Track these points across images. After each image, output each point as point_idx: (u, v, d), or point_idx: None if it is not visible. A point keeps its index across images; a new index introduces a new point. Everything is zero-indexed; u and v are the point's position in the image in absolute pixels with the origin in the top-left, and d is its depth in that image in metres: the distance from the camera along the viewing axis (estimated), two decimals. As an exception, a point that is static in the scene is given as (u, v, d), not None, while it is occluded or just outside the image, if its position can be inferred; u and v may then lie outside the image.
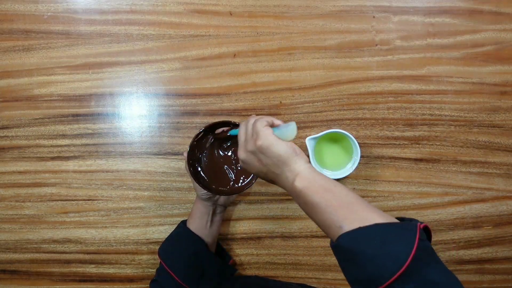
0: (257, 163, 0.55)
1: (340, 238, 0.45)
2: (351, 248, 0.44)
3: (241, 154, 0.56)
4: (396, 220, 0.46)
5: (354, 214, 0.47)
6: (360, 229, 0.44)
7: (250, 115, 0.82)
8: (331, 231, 0.47)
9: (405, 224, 0.45)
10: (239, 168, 0.73)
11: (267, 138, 0.53)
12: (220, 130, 0.70)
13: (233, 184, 0.73)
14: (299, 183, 0.51)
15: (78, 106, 0.83)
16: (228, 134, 0.68)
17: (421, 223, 0.45)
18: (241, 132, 0.57)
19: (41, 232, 0.84)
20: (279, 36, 0.82)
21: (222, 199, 0.76)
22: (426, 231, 0.46)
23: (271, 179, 0.56)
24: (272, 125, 0.56)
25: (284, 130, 0.54)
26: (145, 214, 0.84)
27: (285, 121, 0.56)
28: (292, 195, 0.53)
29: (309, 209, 0.51)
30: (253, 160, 0.55)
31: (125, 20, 0.82)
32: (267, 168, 0.54)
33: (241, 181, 0.73)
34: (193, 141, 0.68)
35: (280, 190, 0.83)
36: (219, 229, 0.79)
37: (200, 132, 0.69)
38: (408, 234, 0.43)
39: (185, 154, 0.70)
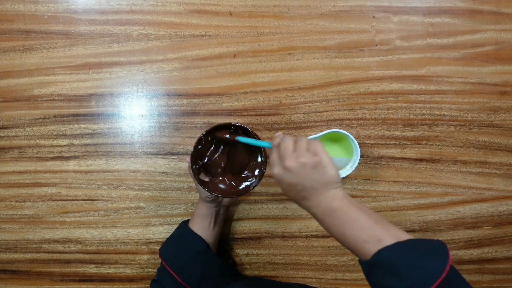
0: (302, 175, 0.55)
1: (381, 252, 0.47)
2: (394, 260, 0.46)
3: (290, 162, 0.56)
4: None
5: (389, 231, 0.50)
6: (398, 244, 0.47)
7: (251, 115, 0.82)
8: (367, 246, 0.49)
9: (434, 240, 0.49)
10: (240, 170, 0.73)
11: (326, 157, 0.56)
12: (226, 135, 0.69)
13: (236, 186, 0.72)
14: (339, 202, 0.54)
15: (78, 106, 0.83)
16: (236, 139, 0.68)
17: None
18: (287, 140, 0.58)
19: (41, 232, 0.84)
20: (279, 36, 0.82)
21: (225, 200, 0.76)
22: None
23: (304, 196, 0.56)
24: None
25: (338, 160, 0.57)
26: (145, 214, 0.84)
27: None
28: (324, 214, 0.54)
29: (343, 227, 0.52)
30: (301, 172, 0.55)
31: (125, 20, 0.82)
32: (311, 184, 0.55)
33: (244, 183, 0.72)
34: (196, 144, 0.68)
35: (280, 190, 0.83)
36: (221, 230, 0.79)
37: (203, 135, 0.68)
38: (440, 248, 0.47)
39: (188, 159, 0.69)
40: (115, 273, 0.85)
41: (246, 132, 0.69)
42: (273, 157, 0.59)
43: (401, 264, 0.46)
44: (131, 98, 0.83)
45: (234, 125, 0.68)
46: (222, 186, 0.72)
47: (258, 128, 0.83)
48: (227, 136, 0.69)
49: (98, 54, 0.82)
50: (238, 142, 0.68)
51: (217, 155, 0.72)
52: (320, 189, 0.55)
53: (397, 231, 0.50)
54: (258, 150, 0.71)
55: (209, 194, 0.70)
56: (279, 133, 0.62)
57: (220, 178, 0.72)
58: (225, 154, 0.72)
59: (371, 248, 0.49)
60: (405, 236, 0.49)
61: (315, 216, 0.56)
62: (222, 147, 0.72)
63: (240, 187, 0.72)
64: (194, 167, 0.69)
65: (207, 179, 0.72)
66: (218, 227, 0.77)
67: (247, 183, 0.72)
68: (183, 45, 0.82)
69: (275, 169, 0.58)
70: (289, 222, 0.85)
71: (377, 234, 0.49)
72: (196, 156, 0.70)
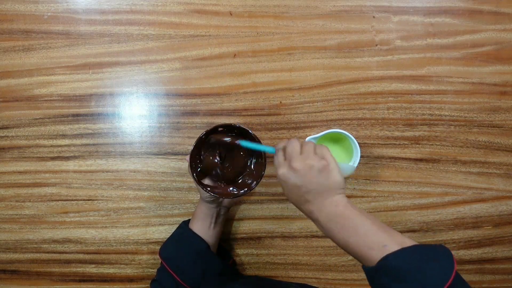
0: (307, 177, 0.56)
1: (387, 258, 0.47)
2: (400, 266, 0.46)
3: (298, 163, 0.56)
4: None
5: (393, 237, 0.50)
6: (403, 249, 0.47)
7: (251, 115, 0.82)
8: (371, 252, 0.49)
9: (438, 245, 0.49)
10: (239, 171, 0.73)
11: (334, 162, 0.56)
12: (227, 139, 0.69)
13: (236, 187, 0.72)
14: (343, 207, 0.54)
15: (78, 106, 0.83)
16: (237, 142, 0.68)
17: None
18: (293, 144, 0.59)
19: (41, 232, 0.84)
20: (279, 36, 0.82)
21: (226, 200, 0.76)
22: None
23: (307, 199, 0.56)
24: None
25: (345, 167, 0.59)
26: (145, 214, 0.84)
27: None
28: (328, 219, 0.54)
29: (347, 233, 0.53)
30: (307, 173, 0.56)
31: (125, 20, 0.82)
32: (315, 187, 0.55)
33: (243, 183, 0.72)
34: (196, 144, 0.68)
35: (280, 190, 0.83)
36: (221, 230, 0.79)
37: (202, 135, 0.68)
38: (445, 253, 0.47)
39: (188, 158, 0.69)
40: (115, 273, 0.85)
41: (245, 133, 0.69)
42: (279, 158, 0.59)
43: (408, 269, 0.46)
44: (131, 98, 0.83)
45: (235, 126, 0.68)
46: (222, 187, 0.72)
47: (258, 128, 0.83)
48: (228, 139, 0.69)
49: (98, 54, 0.82)
50: (239, 146, 0.68)
51: (217, 155, 0.72)
52: (324, 193, 0.55)
53: (401, 237, 0.50)
54: (258, 151, 0.71)
55: (209, 194, 0.70)
56: (284, 140, 0.62)
57: (220, 178, 0.72)
58: (224, 155, 0.72)
59: (376, 254, 0.49)
60: (409, 242, 0.49)
61: (317, 221, 0.56)
62: (220, 149, 0.72)
63: (240, 188, 0.72)
64: (193, 166, 0.69)
65: (207, 179, 0.72)
66: (218, 228, 0.77)
67: (247, 184, 0.71)
68: (183, 45, 0.82)
69: (281, 169, 0.58)
70: (289, 222, 0.85)
71: (382, 240, 0.49)
72: (196, 156, 0.70)
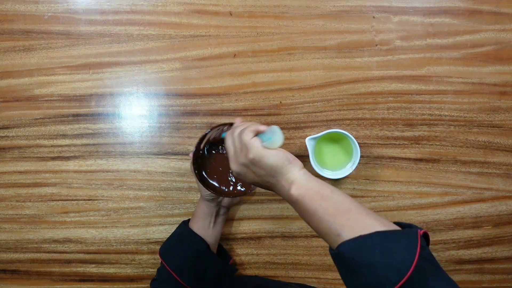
0: (251, 174, 0.55)
1: (340, 246, 0.45)
2: (351, 257, 0.43)
3: (234, 166, 0.56)
4: (396, 227, 0.46)
5: (353, 221, 0.46)
6: (360, 238, 0.44)
7: (251, 115, 0.82)
8: (329, 239, 0.47)
9: (406, 231, 0.44)
10: None
11: (258, 150, 0.53)
12: (212, 134, 0.69)
13: (238, 186, 0.73)
14: (295, 191, 0.51)
15: (79, 106, 0.83)
16: (222, 137, 0.68)
17: (420, 229, 0.45)
18: (228, 144, 0.57)
19: (42, 232, 0.84)
20: (279, 36, 0.82)
21: (226, 200, 0.76)
22: (425, 237, 0.46)
23: (267, 187, 0.56)
24: (258, 132, 0.56)
25: (271, 137, 0.54)
26: (145, 214, 0.84)
27: (268, 125, 0.56)
28: (289, 203, 0.53)
29: (306, 217, 0.50)
30: (247, 172, 0.55)
31: (126, 20, 0.82)
32: (261, 179, 0.54)
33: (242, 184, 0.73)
34: (198, 143, 0.68)
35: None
36: (221, 230, 0.79)
37: (205, 134, 0.69)
38: (409, 242, 0.43)
39: (191, 155, 0.70)
40: (115, 273, 0.85)
41: None
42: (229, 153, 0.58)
43: (359, 261, 0.42)
44: (131, 98, 0.83)
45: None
46: (222, 185, 0.72)
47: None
48: (213, 137, 0.69)
49: (98, 54, 0.82)
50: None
51: (218, 154, 0.72)
52: (272, 180, 0.53)
53: (365, 220, 0.46)
54: None
55: (209, 192, 0.70)
56: (236, 121, 0.60)
57: (221, 177, 0.72)
58: (225, 155, 0.72)
59: (333, 241, 0.46)
60: (373, 227, 0.44)
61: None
62: (222, 148, 0.72)
63: (240, 188, 0.72)
64: (195, 163, 0.69)
65: (208, 177, 0.72)
66: (218, 227, 0.77)
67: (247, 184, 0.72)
68: (183, 45, 0.82)
69: (233, 173, 0.59)
70: (289, 222, 0.85)
71: (336, 227, 0.46)
72: (198, 154, 0.70)
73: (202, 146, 0.70)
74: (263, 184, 0.55)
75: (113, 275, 0.85)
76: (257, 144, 0.53)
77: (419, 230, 0.44)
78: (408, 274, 0.40)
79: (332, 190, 0.50)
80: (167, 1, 0.82)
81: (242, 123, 0.58)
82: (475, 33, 0.82)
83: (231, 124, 0.69)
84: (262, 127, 0.56)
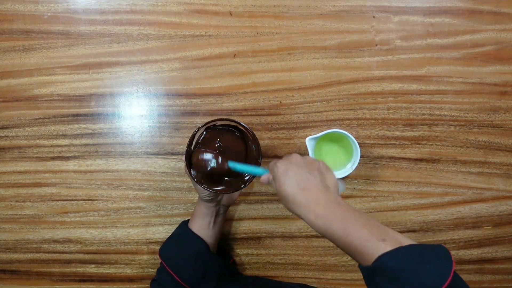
0: (310, 175, 0.56)
1: (382, 257, 0.46)
2: (395, 267, 0.45)
3: (293, 166, 0.58)
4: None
5: (388, 235, 0.48)
6: (400, 249, 0.46)
7: (251, 115, 0.82)
8: (367, 251, 0.48)
9: (435, 245, 0.48)
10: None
11: (331, 170, 0.59)
12: (214, 158, 0.69)
13: (233, 182, 0.72)
14: (340, 199, 0.54)
15: (78, 106, 0.83)
16: (228, 166, 0.68)
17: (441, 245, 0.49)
18: (295, 156, 0.60)
19: (41, 232, 0.84)
20: (279, 36, 0.82)
21: (225, 199, 0.76)
22: None
23: (297, 192, 0.56)
24: None
25: (341, 184, 0.60)
26: (145, 214, 0.84)
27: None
28: (327, 211, 0.53)
29: (344, 225, 0.51)
30: (309, 170, 0.57)
31: (125, 20, 0.82)
32: (309, 181, 0.55)
33: (240, 179, 0.72)
34: (189, 144, 0.68)
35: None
36: (221, 230, 0.79)
37: (194, 134, 0.68)
38: (443, 253, 0.46)
39: (184, 158, 0.69)
40: (115, 273, 0.85)
41: (237, 127, 0.70)
42: (275, 171, 0.58)
43: (403, 270, 0.44)
44: (131, 98, 0.83)
45: (226, 120, 0.68)
46: (217, 183, 0.72)
47: (258, 128, 0.83)
48: (215, 160, 0.68)
49: (98, 54, 0.82)
50: (229, 168, 0.68)
51: (211, 151, 0.71)
52: (320, 187, 0.55)
53: (398, 236, 0.49)
54: (253, 144, 0.71)
55: (207, 192, 0.70)
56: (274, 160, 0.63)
57: (216, 174, 0.72)
58: (220, 150, 0.72)
59: (372, 253, 0.47)
60: (406, 241, 0.47)
61: (314, 215, 0.54)
62: (216, 143, 0.72)
63: (235, 183, 0.71)
64: (189, 164, 0.69)
65: (204, 176, 0.72)
66: (218, 227, 0.77)
67: (244, 179, 0.71)
68: (183, 45, 0.82)
69: (279, 169, 0.57)
70: (289, 222, 0.85)
71: (377, 239, 0.48)
72: (191, 155, 0.70)
73: (192, 147, 0.70)
74: (301, 183, 0.55)
75: (113, 275, 0.85)
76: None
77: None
78: (450, 277, 0.43)
79: (363, 211, 0.56)
80: (167, 1, 0.82)
81: None
82: (475, 33, 0.82)
83: (218, 120, 0.68)
84: None
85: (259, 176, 0.62)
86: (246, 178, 0.71)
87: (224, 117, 0.69)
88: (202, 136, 0.72)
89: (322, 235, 0.52)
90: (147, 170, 0.83)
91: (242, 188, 0.69)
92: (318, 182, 0.56)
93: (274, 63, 0.82)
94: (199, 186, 0.69)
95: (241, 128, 0.70)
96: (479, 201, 0.84)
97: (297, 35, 0.82)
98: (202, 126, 0.69)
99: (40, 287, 0.85)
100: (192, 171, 0.70)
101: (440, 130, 0.83)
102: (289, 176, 0.56)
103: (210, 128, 0.72)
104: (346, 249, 0.51)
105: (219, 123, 0.71)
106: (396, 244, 0.46)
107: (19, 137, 0.83)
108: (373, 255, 0.47)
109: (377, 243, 0.47)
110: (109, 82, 0.83)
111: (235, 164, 0.67)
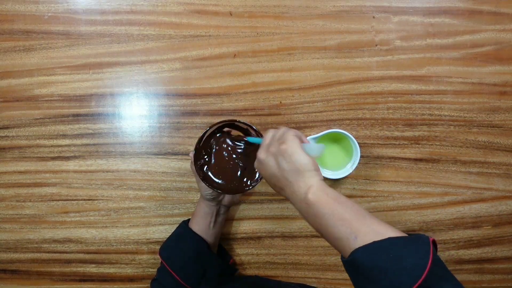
0: (273, 166, 0.55)
1: (355, 253, 0.45)
2: (366, 263, 0.44)
3: (262, 154, 0.58)
4: (406, 234, 0.47)
5: (367, 227, 0.47)
6: (375, 243, 0.44)
7: (251, 115, 0.82)
8: (342, 244, 0.47)
9: (417, 237, 0.45)
10: (243, 167, 0.73)
11: (293, 145, 0.54)
12: (236, 135, 0.71)
13: (239, 183, 0.72)
14: (312, 194, 0.51)
15: (79, 106, 0.83)
16: (245, 139, 0.69)
17: (429, 237, 0.46)
18: (268, 135, 0.59)
19: (42, 232, 0.84)
20: (279, 36, 0.82)
21: (226, 199, 0.76)
22: (434, 244, 0.46)
23: (281, 186, 0.56)
24: (300, 140, 0.58)
25: (312, 146, 0.56)
26: (145, 214, 0.84)
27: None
28: (301, 206, 0.53)
29: (319, 221, 0.50)
30: (271, 162, 0.56)
31: (126, 21, 0.82)
32: (282, 174, 0.55)
33: (245, 180, 0.72)
34: (198, 142, 0.68)
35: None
36: (221, 230, 0.79)
37: (206, 132, 0.69)
38: (422, 248, 0.43)
39: (191, 155, 0.70)
40: (115, 273, 0.85)
41: (248, 131, 0.70)
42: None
43: (374, 266, 0.43)
44: (131, 98, 0.83)
45: (238, 121, 0.69)
46: (223, 183, 0.72)
47: (258, 128, 0.83)
48: (237, 135, 0.70)
49: (98, 54, 0.82)
50: (243, 141, 0.69)
51: (220, 152, 0.72)
52: (291, 178, 0.54)
53: (378, 226, 0.47)
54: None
55: (210, 191, 0.70)
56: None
57: (222, 175, 0.72)
58: (228, 152, 0.72)
59: (346, 246, 0.46)
60: (386, 233, 0.45)
61: (295, 207, 0.54)
62: (224, 145, 0.72)
63: (241, 185, 0.72)
64: (196, 162, 0.70)
65: (209, 175, 0.72)
66: (218, 227, 0.77)
67: (248, 181, 0.72)
68: (183, 45, 0.82)
69: (255, 163, 0.59)
70: (289, 222, 0.85)
71: (351, 231, 0.46)
72: (199, 152, 0.70)
73: (201, 144, 0.70)
74: (279, 180, 0.55)
75: (113, 275, 0.85)
76: (295, 141, 0.55)
77: (429, 237, 0.45)
78: (422, 278, 0.40)
79: (346, 199, 0.51)
80: (167, 1, 0.82)
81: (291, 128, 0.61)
82: (475, 33, 0.82)
83: (231, 122, 0.69)
84: (305, 139, 0.59)
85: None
86: (250, 181, 0.71)
87: (237, 118, 0.70)
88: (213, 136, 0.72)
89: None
90: (147, 170, 0.83)
91: (246, 190, 0.70)
92: (285, 174, 0.54)
93: (274, 63, 0.83)
94: (202, 183, 0.69)
95: (252, 131, 0.70)
96: (478, 201, 0.84)
97: (297, 35, 0.82)
98: (215, 125, 0.69)
99: (40, 287, 0.85)
100: (197, 170, 0.70)
101: (439, 130, 0.83)
102: (267, 180, 0.58)
103: (220, 130, 0.72)
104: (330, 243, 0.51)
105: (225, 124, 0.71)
106: (373, 237, 0.45)
107: (19, 137, 0.83)
108: (348, 250, 0.46)
109: (348, 241, 0.46)
110: (110, 82, 0.83)
111: (253, 139, 0.68)
